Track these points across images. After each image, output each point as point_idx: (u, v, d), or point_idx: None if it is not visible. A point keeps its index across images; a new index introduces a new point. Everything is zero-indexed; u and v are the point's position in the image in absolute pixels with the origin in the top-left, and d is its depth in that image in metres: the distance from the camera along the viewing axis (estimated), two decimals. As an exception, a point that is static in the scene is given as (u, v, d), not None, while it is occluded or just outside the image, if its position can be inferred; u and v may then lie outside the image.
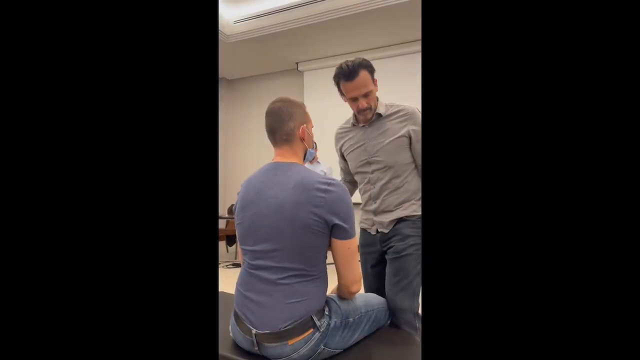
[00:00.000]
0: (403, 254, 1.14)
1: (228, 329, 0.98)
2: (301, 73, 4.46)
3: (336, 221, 0.83)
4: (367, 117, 1.20)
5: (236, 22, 3.56)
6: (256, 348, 0.85)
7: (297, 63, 4.42)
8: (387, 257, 1.20)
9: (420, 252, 1.13)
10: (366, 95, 1.15)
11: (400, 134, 1.18)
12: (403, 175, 1.19)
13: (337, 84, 1.18)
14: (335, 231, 0.85)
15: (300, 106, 0.97)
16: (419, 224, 1.16)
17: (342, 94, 1.19)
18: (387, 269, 1.19)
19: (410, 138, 1.18)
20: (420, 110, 1.18)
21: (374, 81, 1.17)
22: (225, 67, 4.54)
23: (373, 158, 1.22)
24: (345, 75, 1.13)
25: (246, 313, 0.87)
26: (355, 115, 1.26)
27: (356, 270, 0.89)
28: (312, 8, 3.21)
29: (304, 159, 0.99)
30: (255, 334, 0.84)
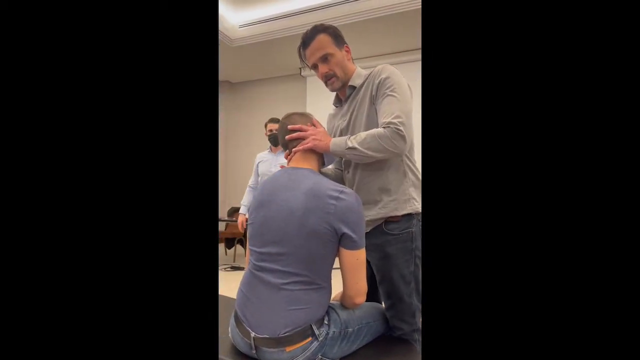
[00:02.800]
0: (389, 278, 1.02)
1: (226, 332, 0.98)
2: (304, 78, 4.48)
3: (345, 230, 0.82)
4: (334, 86, 1.06)
5: (241, 26, 3.59)
6: (254, 351, 0.85)
7: (300, 68, 4.44)
8: (374, 271, 1.09)
9: (411, 268, 1.01)
10: (325, 60, 1.03)
11: (366, 103, 1.03)
12: (384, 168, 1.03)
13: (300, 56, 1.09)
14: (343, 240, 0.84)
15: (303, 115, 1.00)
16: (406, 236, 1.01)
17: (306, 65, 1.09)
18: (379, 287, 1.08)
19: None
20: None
21: (342, 46, 1.05)
22: (229, 70, 4.57)
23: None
24: (303, 42, 1.06)
25: (246, 315, 0.86)
26: (336, 94, 1.14)
27: (362, 282, 0.88)
28: (316, 14, 3.23)
29: (324, 164, 1.02)
30: (253, 338, 0.83)
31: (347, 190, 0.85)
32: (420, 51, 3.74)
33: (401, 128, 0.91)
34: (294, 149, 0.97)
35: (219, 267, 3.75)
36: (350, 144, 0.94)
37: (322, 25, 1.05)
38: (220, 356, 0.90)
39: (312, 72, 1.12)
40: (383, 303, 1.09)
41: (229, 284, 3.01)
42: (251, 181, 2.57)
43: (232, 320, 0.93)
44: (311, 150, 0.97)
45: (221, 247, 4.25)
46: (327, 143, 0.97)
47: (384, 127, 0.93)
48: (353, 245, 0.84)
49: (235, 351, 0.92)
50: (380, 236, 1.04)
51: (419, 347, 1.02)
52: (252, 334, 0.83)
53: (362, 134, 0.95)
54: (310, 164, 0.96)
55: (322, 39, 1.03)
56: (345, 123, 1.09)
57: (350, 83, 1.07)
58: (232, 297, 1.04)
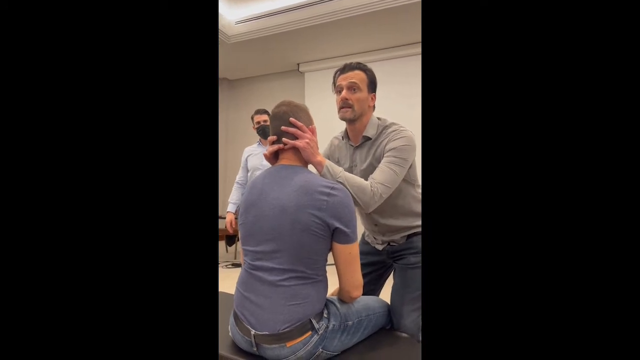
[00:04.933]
0: (416, 266, 1.13)
1: (227, 329, 0.98)
2: (302, 74, 4.46)
3: (338, 225, 0.83)
4: (345, 115, 1.12)
5: (237, 22, 3.57)
6: (255, 349, 0.86)
7: (298, 64, 4.42)
8: (396, 266, 1.19)
9: None
10: (351, 89, 1.10)
11: (379, 160, 1.11)
12: (402, 193, 1.14)
13: (334, 80, 1.17)
14: (336, 235, 0.85)
15: (305, 110, 0.98)
16: None
17: (334, 88, 1.17)
18: (397, 279, 1.17)
19: None
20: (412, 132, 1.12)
21: (371, 92, 1.14)
22: (227, 67, 4.55)
23: None
24: (342, 68, 1.15)
25: (245, 314, 0.87)
26: (346, 129, 1.21)
27: (357, 275, 0.89)
28: (313, 9, 3.21)
29: None
30: (254, 335, 0.84)
31: (338, 186, 0.87)
32: (418, 45, 3.72)
33: (381, 196, 1.02)
34: (285, 141, 0.94)
35: (220, 264, 3.76)
36: (342, 181, 0.99)
37: (365, 65, 1.16)
38: (221, 352, 0.91)
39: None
40: (395, 292, 1.15)
41: (230, 281, 3.02)
42: (239, 177, 2.42)
43: (231, 319, 0.94)
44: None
45: (222, 244, 4.26)
46: (316, 156, 0.97)
47: (373, 185, 1.01)
48: (346, 240, 0.85)
49: (236, 347, 0.93)
50: (413, 236, 1.16)
51: (418, 343, 1.03)
52: (252, 332, 0.84)
53: (357, 180, 1.01)
54: (301, 161, 0.96)
55: (360, 74, 1.12)
56: (357, 172, 1.17)
57: (364, 133, 1.14)
58: (233, 294, 1.04)
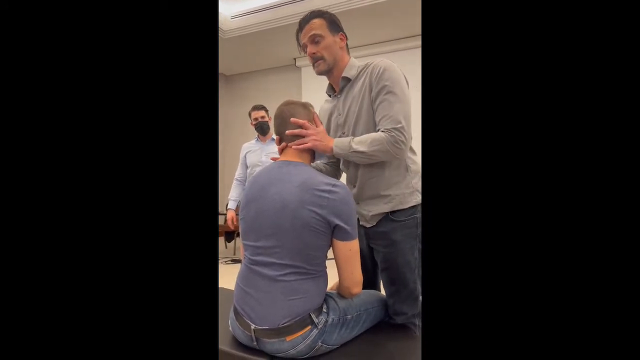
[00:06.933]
0: (395, 264, 1.04)
1: (227, 324, 0.99)
2: (299, 69, 4.44)
3: (338, 222, 0.84)
4: (320, 69, 1.06)
5: (233, 17, 3.54)
6: (255, 343, 0.86)
7: (295, 59, 4.40)
8: (377, 260, 1.11)
9: (416, 254, 1.03)
10: (314, 41, 1.04)
11: (366, 100, 1.02)
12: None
13: (297, 41, 1.10)
14: (336, 232, 0.86)
15: (305, 107, 0.99)
16: (412, 222, 1.03)
17: (301, 49, 1.10)
18: (382, 275, 1.10)
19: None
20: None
21: (337, 33, 1.06)
22: (223, 63, 4.52)
23: (345, 133, 1.09)
24: (299, 26, 1.07)
25: (245, 308, 0.88)
26: (329, 84, 1.13)
27: (357, 272, 0.89)
28: (310, 3, 3.19)
29: (314, 157, 1.02)
30: (254, 330, 0.85)
31: (339, 183, 0.87)
32: (416, 38, 3.71)
33: (403, 133, 0.94)
34: (291, 145, 0.96)
35: (220, 260, 3.77)
36: (355, 147, 0.96)
37: (319, 10, 1.07)
38: (221, 347, 0.91)
39: (307, 62, 1.11)
40: (385, 290, 1.11)
41: (229, 277, 3.03)
42: (238, 173, 2.42)
43: (231, 314, 0.94)
44: None
45: (221, 240, 4.26)
46: (328, 144, 0.97)
47: (386, 133, 0.95)
48: (346, 237, 0.86)
49: (236, 342, 0.93)
50: (386, 224, 1.05)
51: (418, 332, 1.04)
52: (252, 326, 0.85)
53: (367, 138, 0.97)
54: (303, 157, 0.96)
55: (316, 22, 1.04)
56: (342, 119, 1.09)
57: (343, 74, 1.07)
58: (233, 289, 1.05)
